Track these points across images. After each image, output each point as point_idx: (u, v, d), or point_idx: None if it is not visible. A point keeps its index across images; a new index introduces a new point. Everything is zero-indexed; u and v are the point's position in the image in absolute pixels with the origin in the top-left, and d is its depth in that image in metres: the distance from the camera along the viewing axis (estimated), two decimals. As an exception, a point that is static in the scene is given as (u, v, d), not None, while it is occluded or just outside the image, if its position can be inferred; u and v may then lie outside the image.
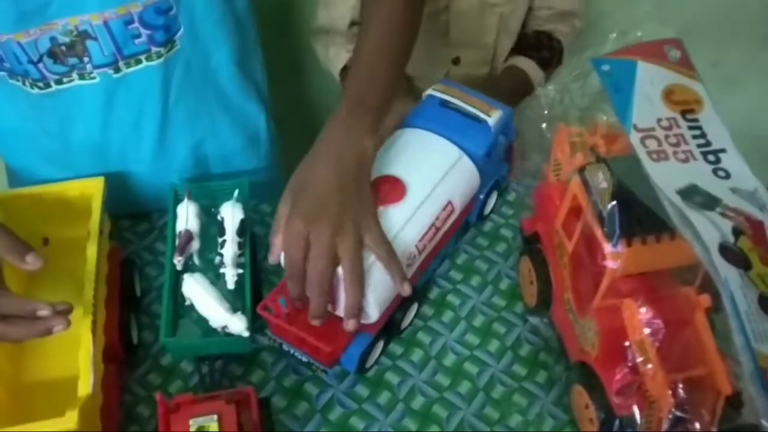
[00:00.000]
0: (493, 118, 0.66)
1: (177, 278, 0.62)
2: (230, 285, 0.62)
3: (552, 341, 0.63)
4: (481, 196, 0.68)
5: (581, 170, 0.53)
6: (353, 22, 0.95)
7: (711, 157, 0.50)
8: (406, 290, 0.57)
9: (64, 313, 0.49)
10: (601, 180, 0.51)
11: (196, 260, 0.65)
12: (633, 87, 0.53)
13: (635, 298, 0.50)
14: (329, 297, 0.55)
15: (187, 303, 0.61)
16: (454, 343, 0.64)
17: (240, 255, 0.63)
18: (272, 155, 0.84)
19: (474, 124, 0.66)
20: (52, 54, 0.62)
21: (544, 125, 0.59)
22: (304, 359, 0.59)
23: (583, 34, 1.07)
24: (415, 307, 0.64)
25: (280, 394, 0.61)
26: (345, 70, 0.96)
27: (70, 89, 0.66)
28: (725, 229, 0.46)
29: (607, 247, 0.50)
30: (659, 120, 0.52)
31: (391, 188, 0.60)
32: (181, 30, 0.66)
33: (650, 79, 0.53)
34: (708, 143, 0.51)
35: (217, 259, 0.64)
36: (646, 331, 0.49)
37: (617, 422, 0.52)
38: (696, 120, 0.52)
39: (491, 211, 0.73)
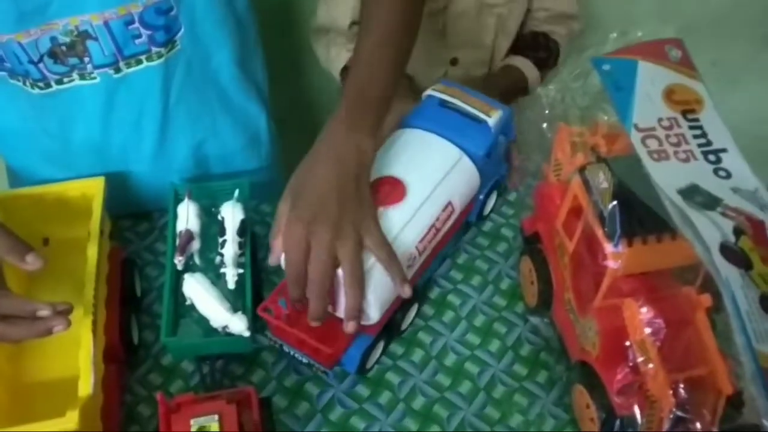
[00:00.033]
0: (493, 118, 0.66)
1: (178, 278, 0.62)
2: (231, 285, 0.62)
3: (553, 341, 0.63)
4: (481, 197, 0.68)
5: (582, 170, 0.53)
6: (354, 22, 0.95)
7: (712, 157, 0.50)
8: (407, 292, 0.57)
9: (64, 313, 0.49)
10: (602, 180, 0.51)
11: (196, 260, 0.65)
12: (634, 86, 0.53)
13: (636, 298, 0.50)
14: (329, 299, 0.55)
15: (188, 303, 0.61)
16: (454, 342, 0.64)
17: (240, 255, 0.63)
18: (273, 155, 0.84)
19: (474, 124, 0.66)
20: (52, 54, 0.62)
21: (544, 125, 0.59)
22: (305, 360, 0.59)
23: (583, 34, 1.07)
24: (415, 307, 0.64)
25: (280, 394, 0.61)
26: (345, 69, 0.96)
27: (70, 89, 0.66)
28: (726, 229, 0.46)
29: (608, 247, 0.50)
30: (660, 120, 0.52)
31: (392, 189, 0.60)
32: (182, 30, 0.66)
33: (651, 79, 0.53)
34: (709, 143, 0.51)
35: (218, 259, 0.64)
36: (647, 330, 0.50)
37: (618, 422, 0.52)
38: (697, 120, 0.52)
39: (491, 211, 0.73)
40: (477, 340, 0.65)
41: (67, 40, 0.62)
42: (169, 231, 0.65)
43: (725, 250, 0.44)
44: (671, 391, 0.48)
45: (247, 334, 0.58)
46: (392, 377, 0.62)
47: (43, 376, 0.60)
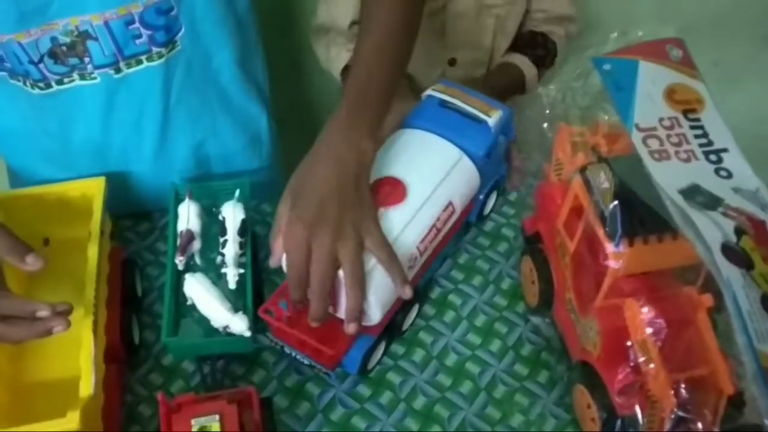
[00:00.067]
0: (493, 118, 0.66)
1: (178, 278, 0.62)
2: (231, 285, 0.62)
3: (554, 341, 0.63)
4: (481, 197, 0.68)
5: (583, 170, 0.53)
6: (354, 22, 0.95)
7: (713, 157, 0.50)
8: (408, 293, 0.57)
9: (63, 313, 0.49)
10: (603, 180, 0.51)
11: (197, 260, 0.65)
12: (634, 86, 0.53)
13: (637, 298, 0.50)
14: (330, 300, 0.55)
15: (189, 303, 0.61)
16: (455, 342, 0.64)
17: (241, 255, 0.63)
18: (273, 155, 0.84)
19: (474, 124, 0.66)
20: (52, 54, 0.62)
21: (545, 125, 0.59)
22: (306, 362, 0.59)
23: (583, 34, 1.07)
24: (416, 308, 0.64)
25: (281, 394, 0.61)
26: (346, 69, 0.96)
27: (70, 89, 0.66)
28: (727, 229, 0.46)
29: (609, 247, 0.50)
30: (661, 119, 0.52)
31: (392, 190, 0.60)
32: (182, 30, 0.66)
33: (652, 79, 0.53)
34: (710, 143, 0.51)
35: (219, 258, 0.64)
36: (648, 330, 0.50)
37: (619, 422, 0.52)
38: (698, 119, 0.52)
39: (491, 211, 0.73)
40: (478, 340, 0.65)
41: (68, 40, 0.62)
42: (170, 231, 0.65)
43: (726, 250, 0.44)
44: (672, 391, 0.48)
45: (248, 334, 0.58)
46: (393, 377, 0.62)
47: (44, 376, 0.60)
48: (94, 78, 0.66)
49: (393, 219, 0.58)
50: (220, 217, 0.64)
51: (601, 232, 0.51)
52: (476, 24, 0.97)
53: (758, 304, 0.43)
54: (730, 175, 0.50)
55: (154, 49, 0.65)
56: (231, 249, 0.62)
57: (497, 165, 0.70)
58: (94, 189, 0.64)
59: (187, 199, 0.65)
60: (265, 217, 0.74)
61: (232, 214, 0.63)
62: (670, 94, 0.53)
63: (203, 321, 0.60)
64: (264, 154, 0.82)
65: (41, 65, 0.63)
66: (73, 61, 0.64)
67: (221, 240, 0.63)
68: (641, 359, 0.50)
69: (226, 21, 0.70)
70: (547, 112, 0.58)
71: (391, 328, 0.61)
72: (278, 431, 0.57)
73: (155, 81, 0.68)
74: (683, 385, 0.48)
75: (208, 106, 0.74)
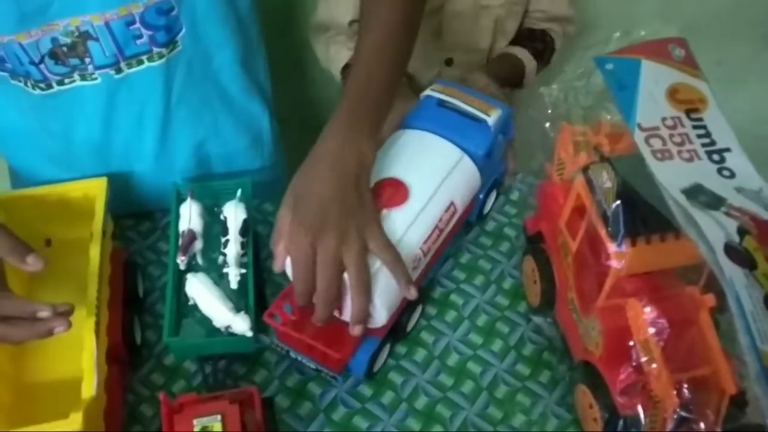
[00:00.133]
0: (493, 117, 0.66)
1: (180, 278, 0.62)
2: (233, 284, 0.62)
3: (555, 341, 0.63)
4: (481, 196, 0.68)
5: (585, 169, 0.53)
6: (354, 20, 0.94)
7: (716, 157, 0.50)
8: (413, 294, 0.56)
9: (65, 314, 0.49)
10: (605, 179, 0.51)
11: (199, 260, 0.65)
12: (637, 86, 0.52)
13: (639, 298, 0.50)
14: (336, 303, 0.55)
15: (191, 303, 0.61)
16: (457, 342, 0.64)
17: (243, 254, 0.63)
18: (276, 155, 0.84)
19: (473, 123, 0.66)
20: (53, 55, 0.62)
21: (547, 124, 0.59)
22: (312, 366, 0.58)
23: (586, 33, 1.07)
24: (420, 308, 0.64)
25: (283, 394, 0.61)
26: (346, 68, 0.96)
27: (71, 90, 0.66)
28: (730, 229, 0.45)
29: (612, 247, 0.50)
30: (664, 119, 0.52)
31: (394, 191, 0.60)
32: (183, 30, 0.66)
33: (654, 78, 0.53)
34: (713, 142, 0.51)
35: (220, 258, 0.64)
36: (651, 330, 0.49)
37: (621, 422, 0.52)
38: (700, 119, 0.52)
39: (490, 210, 0.73)
40: (480, 340, 0.64)
41: (68, 40, 0.62)
42: (172, 231, 0.65)
43: (729, 249, 0.44)
44: (675, 391, 0.48)
45: (249, 334, 0.58)
46: (395, 377, 0.62)
47: (46, 377, 0.60)
48: (95, 78, 0.65)
49: (396, 220, 0.58)
50: (222, 217, 0.64)
51: (603, 231, 0.51)
52: (474, 24, 0.96)
53: (761, 304, 0.43)
54: (732, 175, 0.50)
55: (155, 50, 0.65)
56: (233, 249, 0.62)
57: (497, 164, 0.70)
58: (95, 189, 0.64)
59: (188, 199, 0.65)
60: (267, 216, 0.74)
61: (234, 213, 0.63)
62: (673, 94, 0.53)
63: (205, 321, 0.60)
64: (266, 154, 0.82)
65: (42, 66, 0.63)
66: (74, 61, 0.64)
67: (223, 240, 0.63)
68: (643, 359, 0.50)
69: (227, 21, 0.70)
70: (550, 111, 0.58)
71: (396, 329, 0.61)
72: (280, 431, 0.57)
73: (156, 81, 0.68)
74: (686, 385, 0.48)
75: (209, 105, 0.74)
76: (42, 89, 0.66)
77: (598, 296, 0.53)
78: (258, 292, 0.62)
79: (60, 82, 0.65)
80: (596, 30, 1.14)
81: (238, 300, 0.61)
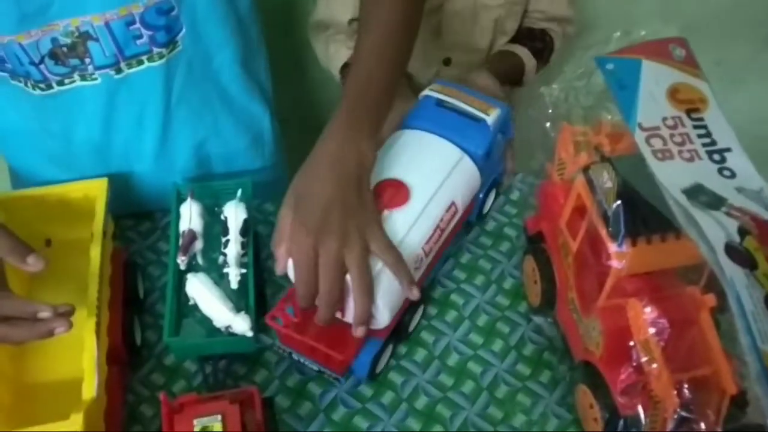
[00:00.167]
0: (492, 116, 0.66)
1: (180, 278, 0.62)
2: (233, 284, 0.62)
3: (556, 341, 0.63)
4: (481, 195, 0.68)
5: (586, 169, 0.53)
6: (353, 18, 0.94)
7: (716, 157, 0.50)
8: (415, 294, 0.56)
9: (65, 314, 0.49)
10: (606, 179, 0.51)
11: (199, 260, 0.65)
12: (638, 86, 0.52)
13: (640, 298, 0.50)
14: (338, 305, 0.55)
15: (191, 303, 0.61)
16: (457, 342, 0.64)
17: (243, 254, 0.63)
18: (276, 155, 0.84)
19: (473, 123, 0.66)
20: (53, 55, 0.62)
21: (548, 124, 0.59)
22: (315, 368, 0.58)
23: (586, 33, 1.07)
24: (421, 309, 0.64)
25: (283, 394, 0.61)
26: (345, 67, 0.95)
27: (71, 90, 0.66)
28: (731, 229, 0.45)
29: (612, 247, 0.50)
30: (664, 119, 0.52)
31: (395, 192, 0.60)
32: (183, 30, 0.66)
33: (655, 78, 0.53)
34: (713, 142, 0.51)
35: (221, 258, 0.64)
36: (651, 330, 0.49)
37: (622, 422, 0.52)
38: (701, 119, 0.52)
39: (490, 210, 0.73)
40: (480, 340, 0.64)
41: (68, 41, 0.62)
42: (172, 231, 0.65)
43: (730, 249, 0.44)
44: (675, 391, 0.48)
45: (250, 334, 0.58)
46: (395, 377, 0.62)
47: (46, 378, 0.60)
48: (95, 78, 0.65)
49: (397, 221, 0.58)
50: (222, 217, 0.64)
51: (603, 231, 0.51)
52: (473, 24, 0.96)
53: (762, 304, 0.43)
54: (733, 175, 0.50)
55: (155, 50, 0.65)
56: (233, 249, 0.62)
57: (496, 163, 0.70)
58: (96, 190, 0.64)
59: (189, 199, 0.65)
60: (268, 216, 0.74)
61: (234, 213, 0.63)
62: (674, 94, 0.53)
63: (205, 321, 0.60)
64: (267, 154, 0.82)
65: (42, 66, 0.63)
66: (74, 61, 0.64)
67: (223, 240, 0.63)
68: (644, 359, 0.50)
69: (227, 21, 0.70)
70: (550, 111, 0.58)
71: (398, 330, 0.61)
72: (280, 431, 0.57)
73: (156, 81, 0.68)
74: (686, 385, 0.48)
75: (209, 105, 0.74)
76: (42, 89, 0.66)
77: (599, 296, 0.53)
78: (258, 292, 0.62)
79: (60, 83, 0.65)
80: (596, 30, 1.14)
81: (238, 300, 0.61)
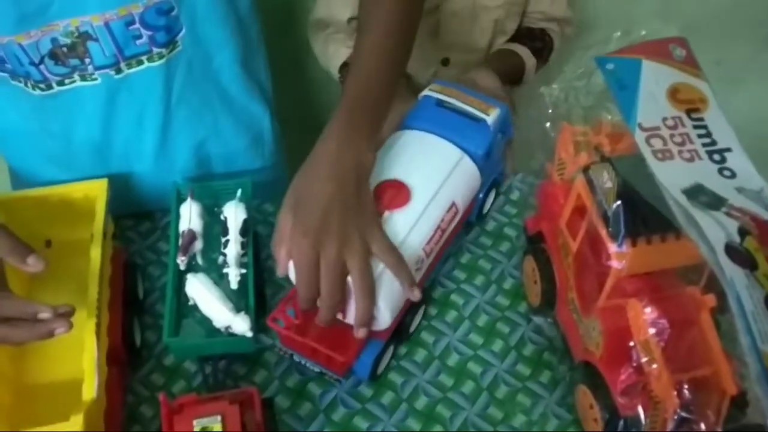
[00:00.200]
0: (492, 116, 0.66)
1: (180, 278, 0.62)
2: (233, 285, 0.62)
3: (556, 341, 0.63)
4: (481, 195, 0.68)
5: (586, 169, 0.53)
6: (353, 17, 0.94)
7: (716, 157, 0.50)
8: (417, 295, 0.56)
9: (65, 315, 0.49)
10: (606, 179, 0.51)
11: (199, 260, 0.65)
12: (638, 86, 0.52)
13: (640, 298, 0.50)
14: (340, 306, 0.55)
15: (191, 303, 0.61)
16: (457, 342, 0.64)
17: (243, 255, 0.63)
18: (276, 154, 0.83)
19: (472, 123, 0.66)
20: (53, 55, 0.62)
21: (548, 124, 0.59)
22: (317, 370, 0.58)
23: (586, 33, 1.07)
24: (422, 309, 0.64)
25: (283, 394, 0.61)
26: (344, 66, 0.95)
27: (71, 90, 0.66)
28: (731, 229, 0.45)
29: (612, 247, 0.50)
30: (664, 119, 0.52)
31: (396, 193, 0.60)
32: (183, 31, 0.66)
33: (655, 78, 0.53)
34: (713, 142, 0.51)
35: (220, 258, 0.63)
36: (651, 331, 0.49)
37: (622, 422, 0.52)
38: (701, 119, 0.52)
39: (490, 210, 0.73)
40: (480, 340, 0.64)
41: (68, 41, 0.62)
42: (172, 231, 0.65)
43: (730, 250, 0.44)
44: (675, 392, 0.48)
45: (249, 334, 0.58)
46: (395, 377, 0.62)
47: (46, 378, 0.60)
48: (95, 79, 0.65)
49: (398, 222, 0.58)
50: (222, 217, 0.64)
51: (603, 232, 0.51)
52: (472, 24, 0.96)
53: (762, 304, 0.43)
54: (733, 175, 0.50)
55: (155, 50, 0.65)
56: (233, 249, 0.62)
57: (496, 163, 0.70)
58: (96, 191, 0.64)
59: (188, 199, 0.65)
60: (267, 216, 0.74)
61: (234, 213, 0.63)
62: (674, 94, 0.53)
63: (205, 321, 0.60)
64: (267, 154, 0.82)
65: (42, 66, 0.63)
66: (74, 62, 0.64)
67: (223, 240, 0.63)
68: (644, 359, 0.50)
69: (227, 21, 0.69)
70: (550, 111, 0.58)
71: (399, 331, 0.61)
72: (280, 431, 0.57)
73: (156, 81, 0.68)
74: (686, 386, 0.48)
75: (209, 105, 0.74)
76: (42, 90, 0.66)
77: (599, 296, 0.53)
78: (258, 292, 0.62)
79: (60, 83, 0.65)
80: (596, 30, 1.14)
81: (238, 300, 0.61)
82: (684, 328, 0.50)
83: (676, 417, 0.48)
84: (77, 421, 0.49)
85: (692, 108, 0.52)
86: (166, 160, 0.74)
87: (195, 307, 0.60)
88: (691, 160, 0.50)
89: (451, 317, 0.66)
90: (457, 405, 0.60)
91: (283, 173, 0.86)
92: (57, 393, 0.58)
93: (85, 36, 0.61)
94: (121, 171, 0.73)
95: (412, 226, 0.59)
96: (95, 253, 0.58)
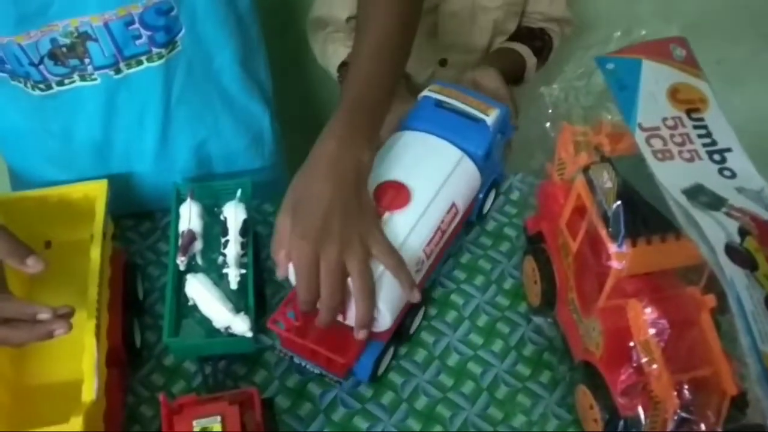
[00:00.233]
0: (491, 117, 0.66)
1: (180, 278, 0.62)
2: (233, 285, 0.62)
3: (556, 341, 0.63)
4: (481, 196, 0.68)
5: (586, 169, 0.53)
6: (351, 16, 0.94)
7: (716, 157, 0.50)
8: (416, 297, 0.56)
9: (65, 316, 0.49)
10: (606, 179, 0.51)
11: (199, 260, 0.65)
12: (638, 86, 0.52)
13: (640, 299, 0.50)
14: (340, 308, 0.55)
15: (190, 303, 0.61)
16: (457, 342, 0.64)
17: (243, 255, 0.63)
18: (276, 155, 0.83)
19: (472, 124, 0.66)
20: (52, 56, 0.62)
21: (548, 124, 0.59)
22: (317, 371, 0.58)
23: (585, 33, 1.06)
24: (422, 310, 0.64)
25: (283, 395, 0.61)
26: (343, 66, 0.95)
27: (71, 90, 0.66)
28: (731, 229, 0.45)
29: (612, 247, 0.50)
30: (664, 119, 0.52)
31: (396, 194, 0.60)
32: (183, 31, 0.66)
33: (655, 78, 0.53)
34: (713, 142, 0.51)
35: (220, 259, 0.63)
36: (651, 331, 0.49)
37: (622, 423, 0.52)
38: (701, 119, 0.52)
39: (489, 210, 0.73)
40: (480, 340, 0.64)
41: (67, 41, 0.61)
42: (172, 231, 0.65)
43: (730, 250, 0.44)
44: (675, 392, 0.48)
45: (249, 334, 0.58)
46: (395, 377, 0.62)
47: (46, 379, 0.60)
48: (95, 79, 0.65)
49: (398, 223, 0.58)
50: (222, 217, 0.64)
51: (603, 232, 0.51)
52: (471, 25, 0.96)
53: (762, 305, 0.43)
54: (733, 175, 0.50)
55: (154, 50, 0.65)
56: (232, 249, 0.62)
57: (496, 163, 0.70)
58: (96, 191, 0.64)
59: (188, 199, 0.65)
60: (267, 217, 0.74)
61: (234, 214, 0.63)
62: (674, 94, 0.53)
63: (205, 321, 0.60)
64: (266, 154, 0.82)
65: (41, 67, 0.63)
66: (73, 62, 0.64)
67: (223, 240, 0.63)
68: (644, 360, 0.50)
69: (227, 21, 0.69)
70: (550, 111, 0.58)
71: (400, 332, 0.61)
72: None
73: (156, 81, 0.68)
74: (686, 386, 0.48)
75: (209, 106, 0.74)
76: (42, 90, 0.66)
77: (599, 297, 0.53)
78: (258, 292, 0.62)
79: (60, 83, 0.65)
80: (596, 30, 1.13)
81: (237, 300, 0.61)
82: (684, 329, 0.49)
83: (676, 417, 0.48)
84: (77, 422, 0.49)
85: (692, 108, 0.52)
86: (166, 160, 0.74)
87: (195, 307, 0.60)
88: (691, 160, 0.50)
89: (451, 317, 0.66)
90: (457, 405, 0.60)
91: (283, 173, 0.86)
92: (57, 394, 0.58)
93: (84, 36, 0.61)
94: (121, 171, 0.73)
95: (412, 228, 0.58)
96: (95, 253, 0.58)
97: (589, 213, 0.53)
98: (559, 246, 0.60)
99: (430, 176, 0.62)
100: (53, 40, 0.61)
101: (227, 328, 0.59)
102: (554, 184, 0.62)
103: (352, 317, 0.55)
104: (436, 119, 0.66)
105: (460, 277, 0.69)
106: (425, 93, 0.69)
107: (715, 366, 0.49)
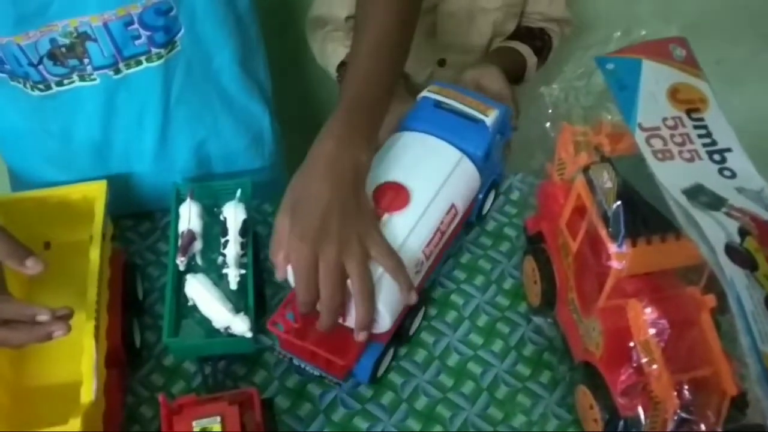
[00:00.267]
0: (491, 117, 0.66)
1: (180, 279, 0.62)
2: (233, 285, 0.62)
3: (556, 341, 0.63)
4: (480, 196, 0.68)
5: (586, 170, 0.53)
6: (350, 16, 0.94)
7: (716, 157, 0.50)
8: (413, 299, 0.56)
9: (64, 317, 0.49)
10: (606, 179, 0.51)
11: (198, 260, 0.65)
12: (638, 86, 0.52)
13: (640, 299, 0.50)
14: (340, 310, 0.55)
15: (190, 303, 0.61)
16: (457, 343, 0.64)
17: (242, 255, 0.63)
18: (276, 155, 0.83)
19: (471, 124, 0.66)
20: (51, 56, 0.62)
21: (548, 124, 0.59)
22: (317, 373, 0.58)
23: (585, 33, 1.06)
24: (422, 311, 0.64)
25: (283, 395, 0.61)
26: (342, 65, 0.95)
27: (70, 91, 0.66)
28: (731, 229, 0.45)
29: (612, 247, 0.50)
30: (664, 119, 0.52)
31: (395, 195, 0.60)
32: (182, 31, 0.66)
33: (655, 78, 0.53)
34: (713, 142, 0.51)
35: (220, 259, 0.63)
36: (651, 331, 0.49)
37: (622, 423, 0.52)
38: (701, 119, 0.52)
39: (489, 210, 0.73)
40: (480, 340, 0.64)
41: (67, 41, 0.61)
42: (171, 231, 0.65)
43: (730, 250, 0.44)
44: (675, 392, 0.48)
45: (249, 334, 0.58)
46: (395, 377, 0.62)
47: (45, 381, 0.60)
48: (94, 79, 0.65)
49: (398, 224, 0.58)
50: (222, 218, 0.64)
51: (603, 232, 0.51)
52: (470, 25, 0.96)
53: (762, 305, 0.43)
54: (733, 175, 0.49)
55: (154, 50, 0.65)
56: (232, 249, 0.62)
57: (495, 164, 0.70)
58: (95, 192, 0.64)
59: (188, 199, 0.65)
60: (267, 217, 0.74)
61: (234, 214, 0.63)
62: (674, 94, 0.53)
63: (204, 322, 0.60)
64: (266, 154, 0.82)
65: (40, 67, 0.63)
66: (73, 62, 0.63)
67: (222, 240, 0.63)
68: (644, 360, 0.50)
69: (226, 21, 0.69)
70: (550, 111, 0.58)
71: (399, 333, 0.61)
72: (280, 432, 0.58)
73: (155, 82, 0.68)
74: (686, 386, 0.48)
75: (209, 106, 0.74)
76: (41, 90, 0.65)
77: (599, 297, 0.53)
78: (258, 292, 0.62)
79: (59, 83, 0.65)
80: (596, 30, 1.13)
81: (237, 301, 0.61)
82: (684, 329, 0.49)
83: (676, 417, 0.48)
84: (76, 423, 0.48)
85: (692, 108, 0.52)
86: (165, 160, 0.74)
87: (194, 307, 0.60)
88: (691, 160, 0.50)
89: (451, 317, 0.66)
90: (457, 405, 0.60)
91: (282, 173, 0.86)
92: (56, 395, 0.58)
93: (83, 36, 0.61)
94: (120, 171, 0.73)
95: (411, 229, 0.58)
96: (94, 254, 0.58)
97: (589, 213, 0.53)
98: (559, 246, 0.60)
99: (429, 177, 0.62)
100: (52, 41, 0.61)
101: (227, 328, 0.59)
102: (554, 184, 0.62)
103: (351, 319, 0.55)
104: (436, 120, 0.66)
105: (460, 277, 0.69)
106: (424, 94, 0.69)
107: (715, 366, 0.49)
